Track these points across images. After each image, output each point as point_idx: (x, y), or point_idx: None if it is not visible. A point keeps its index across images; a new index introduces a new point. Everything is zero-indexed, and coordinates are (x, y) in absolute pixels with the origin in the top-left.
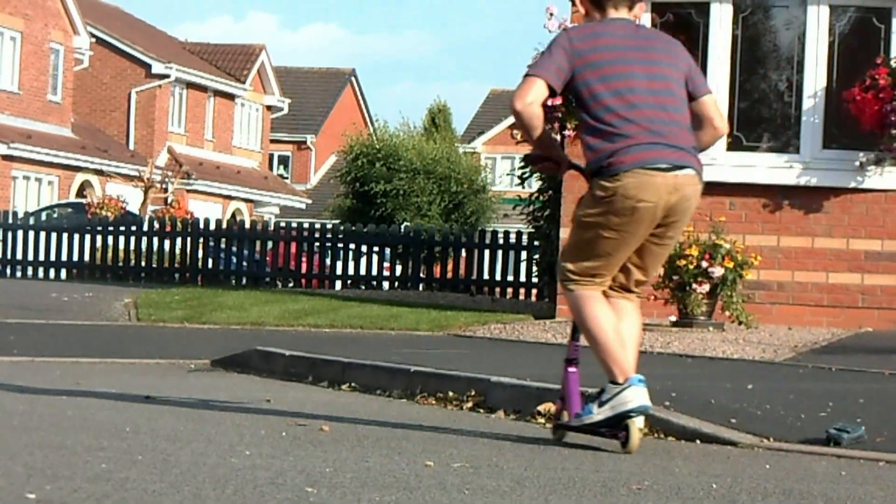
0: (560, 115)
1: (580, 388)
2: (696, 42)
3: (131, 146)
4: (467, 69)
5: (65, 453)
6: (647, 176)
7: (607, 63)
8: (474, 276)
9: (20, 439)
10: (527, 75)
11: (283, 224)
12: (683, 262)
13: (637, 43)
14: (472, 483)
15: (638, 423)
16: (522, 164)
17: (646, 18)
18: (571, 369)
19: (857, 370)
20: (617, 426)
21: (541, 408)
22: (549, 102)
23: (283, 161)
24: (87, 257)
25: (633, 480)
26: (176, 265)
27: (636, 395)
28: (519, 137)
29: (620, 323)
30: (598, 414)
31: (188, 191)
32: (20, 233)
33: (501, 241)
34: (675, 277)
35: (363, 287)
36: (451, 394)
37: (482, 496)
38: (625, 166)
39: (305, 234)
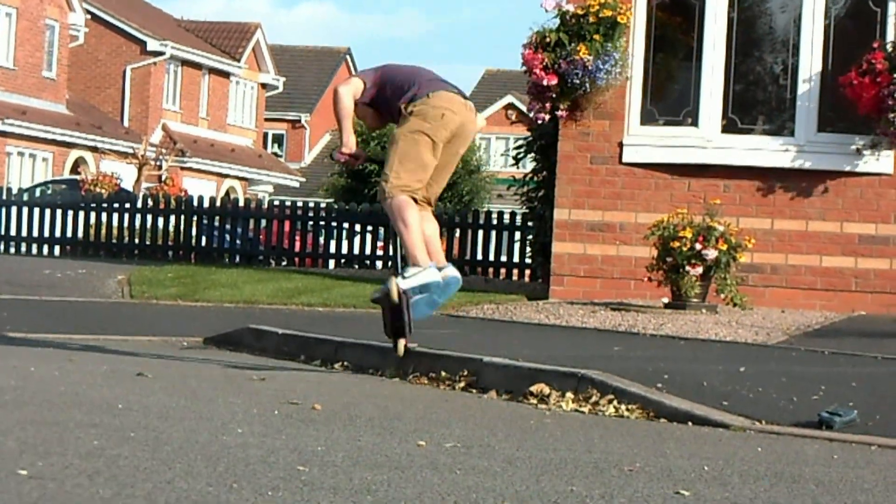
0: (554, 95)
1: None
2: (691, 24)
3: (126, 123)
4: (462, 49)
5: (57, 430)
6: (450, 93)
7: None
8: (468, 257)
9: (12, 415)
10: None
11: (276, 202)
12: (677, 244)
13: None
14: (464, 463)
15: (404, 342)
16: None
17: (642, 2)
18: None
19: (850, 354)
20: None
21: (533, 388)
22: (545, 82)
23: (278, 139)
24: (80, 234)
25: (624, 461)
26: (169, 243)
27: (432, 274)
28: (514, 118)
29: (425, 224)
30: (405, 282)
31: (182, 168)
32: (14, 209)
33: (495, 222)
34: (668, 259)
35: (356, 266)
36: (443, 373)
37: (474, 476)
38: (433, 88)
39: (299, 212)
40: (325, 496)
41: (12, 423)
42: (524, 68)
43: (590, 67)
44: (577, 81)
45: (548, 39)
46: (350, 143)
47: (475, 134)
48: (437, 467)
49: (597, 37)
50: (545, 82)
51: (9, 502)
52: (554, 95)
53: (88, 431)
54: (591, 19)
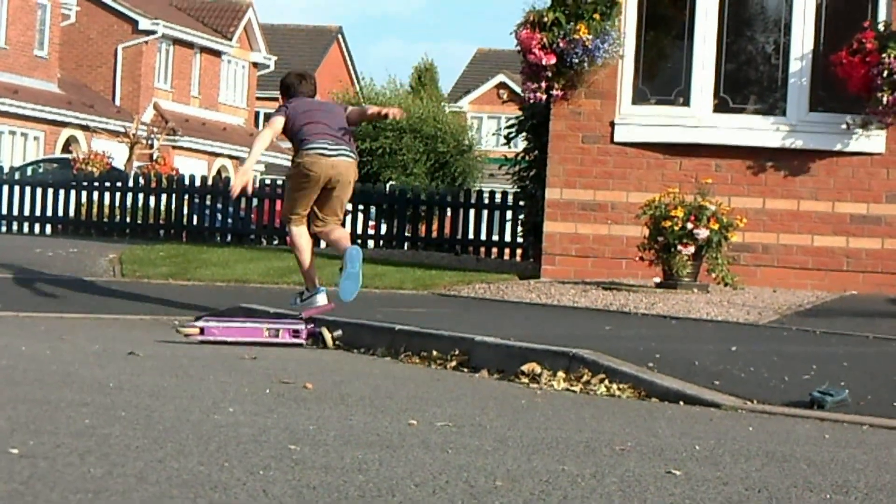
0: (549, 74)
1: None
2: (683, 3)
3: (117, 102)
4: (454, 28)
5: (48, 408)
6: (317, 157)
7: (302, 107)
8: (459, 236)
9: (3, 394)
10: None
11: (268, 181)
12: (669, 223)
13: (320, 105)
14: (456, 442)
15: (330, 334)
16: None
17: None
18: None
19: (842, 333)
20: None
21: (525, 367)
22: (543, 62)
23: (269, 118)
24: (72, 213)
25: (616, 441)
26: (161, 222)
27: (321, 299)
28: (506, 97)
29: (333, 236)
30: (299, 307)
31: (174, 147)
32: (5, 188)
33: (487, 201)
34: (660, 239)
35: None
36: (434, 353)
37: (465, 455)
38: (309, 152)
39: None
40: (317, 475)
41: (3, 402)
42: (519, 48)
43: (589, 46)
44: (577, 60)
45: (545, 19)
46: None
47: (349, 176)
48: (429, 446)
49: (596, 16)
50: (543, 62)
51: (0, 481)
52: (550, 75)
53: (80, 410)
54: None
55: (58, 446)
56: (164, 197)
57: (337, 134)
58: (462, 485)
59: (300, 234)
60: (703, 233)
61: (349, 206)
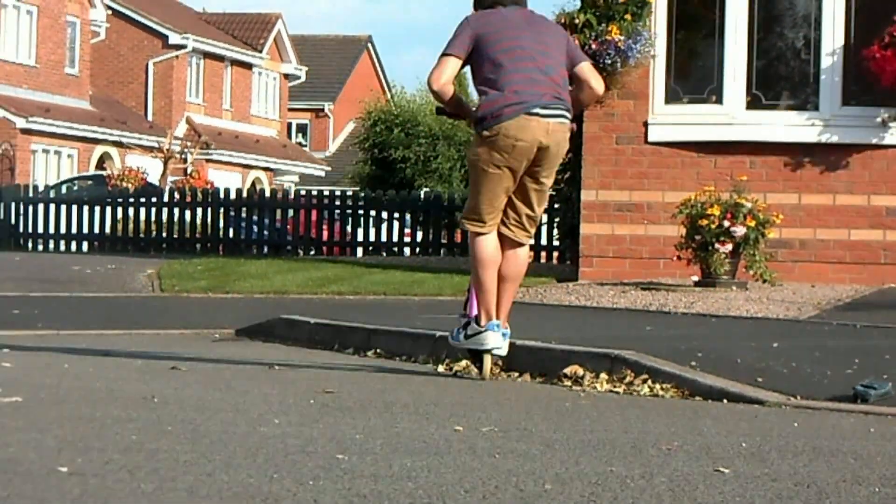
0: None
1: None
2: (713, 1)
3: (149, 117)
4: None
5: (94, 425)
6: (525, 120)
7: (496, 31)
8: None
9: (49, 412)
10: (441, 56)
11: (303, 192)
12: (705, 221)
13: (525, 19)
14: (503, 447)
15: (490, 358)
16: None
17: None
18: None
19: (882, 326)
20: (475, 357)
21: (567, 370)
22: None
23: (302, 129)
24: (108, 229)
25: (662, 440)
26: (197, 235)
27: (492, 339)
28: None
29: (504, 265)
30: (463, 343)
31: (207, 161)
32: (41, 206)
33: None
34: (697, 237)
35: (384, 254)
36: None
37: (513, 459)
38: (510, 113)
39: (326, 201)
40: (366, 484)
41: (50, 420)
42: None
43: (622, 47)
44: (609, 62)
45: (576, 21)
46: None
47: (563, 148)
48: (476, 452)
49: (627, 16)
50: None
51: (51, 499)
52: None
53: (126, 426)
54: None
55: (107, 463)
56: (199, 211)
57: (552, 77)
58: (512, 489)
59: (485, 243)
60: (739, 230)
61: (384, 214)
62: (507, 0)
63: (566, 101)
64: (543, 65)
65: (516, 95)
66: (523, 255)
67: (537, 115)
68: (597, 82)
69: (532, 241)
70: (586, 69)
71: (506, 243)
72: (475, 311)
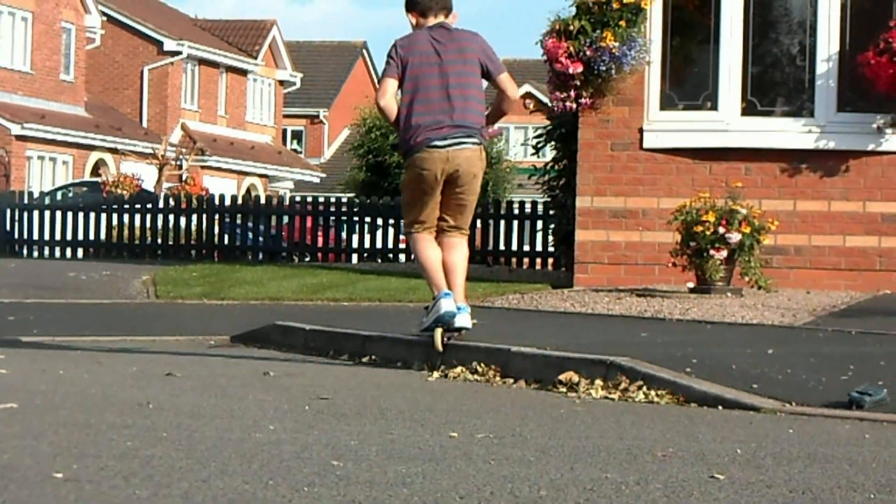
0: (578, 83)
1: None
2: (708, 7)
3: (145, 124)
4: None
5: (90, 432)
6: (427, 152)
7: (415, 64)
8: (491, 247)
9: (45, 419)
10: (381, 79)
11: (297, 198)
12: (700, 228)
13: (441, 46)
14: (498, 453)
15: (441, 331)
16: (536, 135)
17: None
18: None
19: (877, 333)
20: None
21: (562, 377)
22: (570, 70)
23: (297, 135)
24: (103, 236)
25: (657, 447)
26: (192, 242)
27: (446, 304)
28: (533, 107)
29: (447, 255)
30: (426, 324)
31: (202, 167)
32: (36, 213)
33: (517, 212)
34: (692, 244)
35: (379, 260)
36: (471, 364)
37: (508, 465)
38: (416, 147)
39: (321, 208)
40: (361, 490)
41: (45, 427)
42: (545, 58)
43: (616, 54)
44: (604, 68)
45: (571, 28)
46: None
47: (471, 169)
48: (471, 458)
49: (622, 23)
50: (570, 70)
51: None
52: (578, 83)
53: (121, 432)
54: (615, 5)
55: (102, 469)
56: (194, 217)
57: (467, 103)
58: (507, 496)
59: (423, 241)
60: (735, 237)
61: (379, 220)
62: (433, 10)
63: (470, 125)
64: (453, 93)
65: (421, 132)
66: (462, 248)
67: (436, 147)
68: (513, 91)
69: (465, 235)
70: (504, 80)
71: (444, 243)
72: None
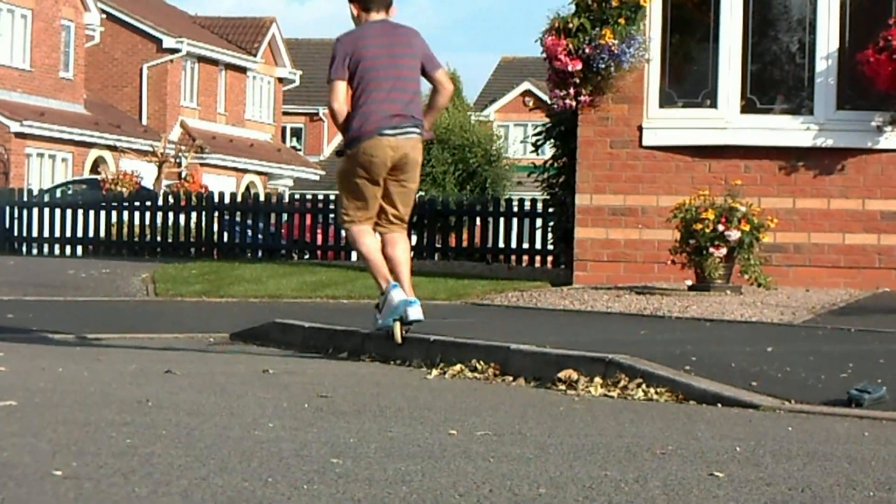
0: (577, 80)
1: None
2: (707, 5)
3: (144, 121)
4: (476, 39)
5: (89, 429)
6: (377, 140)
7: (362, 58)
8: (490, 245)
9: (44, 416)
10: (330, 81)
11: (297, 196)
12: (700, 225)
13: (387, 40)
14: (497, 451)
15: (399, 325)
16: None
17: None
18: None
19: (877, 331)
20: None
21: (561, 374)
22: (569, 68)
23: (296, 133)
24: (102, 233)
25: (656, 444)
26: (191, 239)
27: (397, 295)
28: (532, 105)
29: (390, 250)
30: (381, 319)
31: (202, 165)
32: (35, 210)
33: (516, 209)
34: (691, 242)
35: None
36: (471, 362)
37: (507, 463)
38: (366, 135)
39: (320, 205)
40: (361, 488)
41: (44, 424)
42: (545, 55)
43: (615, 51)
44: (603, 66)
45: (570, 25)
46: None
47: (415, 157)
48: (471, 456)
49: (621, 20)
50: (569, 68)
51: (46, 503)
52: (577, 81)
53: (121, 430)
54: (614, 3)
55: (101, 467)
56: (193, 215)
57: (406, 95)
58: (506, 493)
59: (365, 234)
60: (734, 234)
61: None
62: (376, 4)
63: (415, 116)
64: (396, 85)
65: (371, 121)
66: (406, 241)
67: (386, 135)
68: (449, 85)
69: (406, 227)
70: (442, 75)
71: (387, 238)
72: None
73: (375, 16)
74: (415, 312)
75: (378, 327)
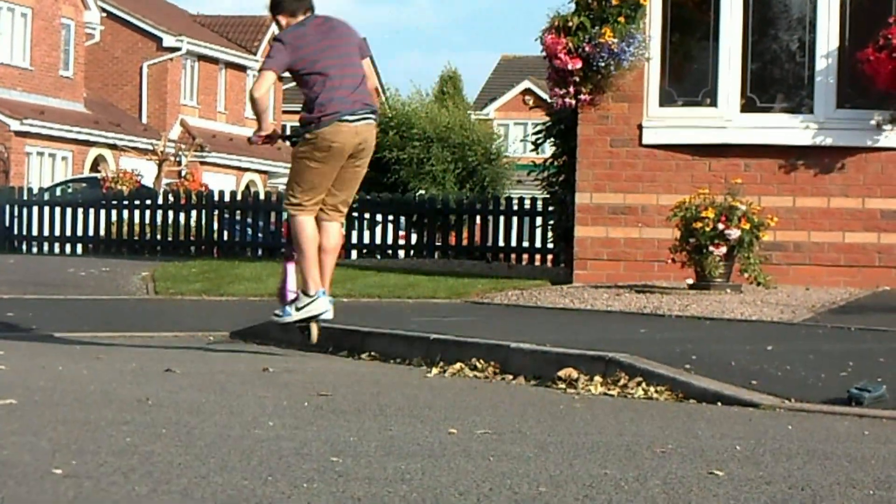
0: (577, 79)
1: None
2: (707, 4)
3: (144, 120)
4: (476, 38)
5: (89, 428)
6: (337, 126)
7: (310, 53)
8: (490, 243)
9: (44, 415)
10: (263, 70)
11: None
12: (700, 224)
13: (327, 31)
14: (497, 449)
15: (317, 325)
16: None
17: None
18: (289, 264)
19: (876, 329)
20: (303, 327)
21: (561, 373)
22: (569, 67)
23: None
24: (102, 232)
25: (656, 443)
26: (191, 238)
27: (322, 304)
28: (532, 104)
29: (325, 240)
30: (294, 315)
31: (202, 163)
32: (35, 209)
33: (516, 208)
34: (691, 240)
35: (378, 256)
36: (471, 360)
37: (507, 462)
38: (327, 121)
39: None
40: (360, 486)
41: (44, 423)
42: (545, 54)
43: (615, 50)
44: (603, 64)
45: (570, 24)
46: (266, 127)
47: (371, 142)
48: (471, 454)
49: (621, 19)
50: (569, 66)
51: (45, 502)
52: (577, 80)
53: (120, 429)
54: (614, 1)
55: (101, 465)
56: (193, 213)
57: (356, 80)
58: (506, 492)
59: (307, 225)
60: (734, 233)
61: (378, 216)
62: (301, 7)
63: (368, 102)
64: (349, 73)
65: (332, 106)
66: (338, 230)
67: (347, 121)
68: (373, 77)
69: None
70: (368, 64)
71: (324, 227)
72: (291, 296)
73: (302, 17)
74: (329, 311)
75: (287, 322)
